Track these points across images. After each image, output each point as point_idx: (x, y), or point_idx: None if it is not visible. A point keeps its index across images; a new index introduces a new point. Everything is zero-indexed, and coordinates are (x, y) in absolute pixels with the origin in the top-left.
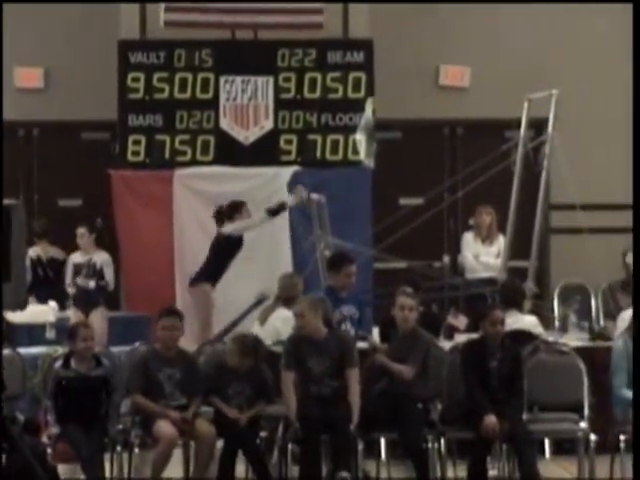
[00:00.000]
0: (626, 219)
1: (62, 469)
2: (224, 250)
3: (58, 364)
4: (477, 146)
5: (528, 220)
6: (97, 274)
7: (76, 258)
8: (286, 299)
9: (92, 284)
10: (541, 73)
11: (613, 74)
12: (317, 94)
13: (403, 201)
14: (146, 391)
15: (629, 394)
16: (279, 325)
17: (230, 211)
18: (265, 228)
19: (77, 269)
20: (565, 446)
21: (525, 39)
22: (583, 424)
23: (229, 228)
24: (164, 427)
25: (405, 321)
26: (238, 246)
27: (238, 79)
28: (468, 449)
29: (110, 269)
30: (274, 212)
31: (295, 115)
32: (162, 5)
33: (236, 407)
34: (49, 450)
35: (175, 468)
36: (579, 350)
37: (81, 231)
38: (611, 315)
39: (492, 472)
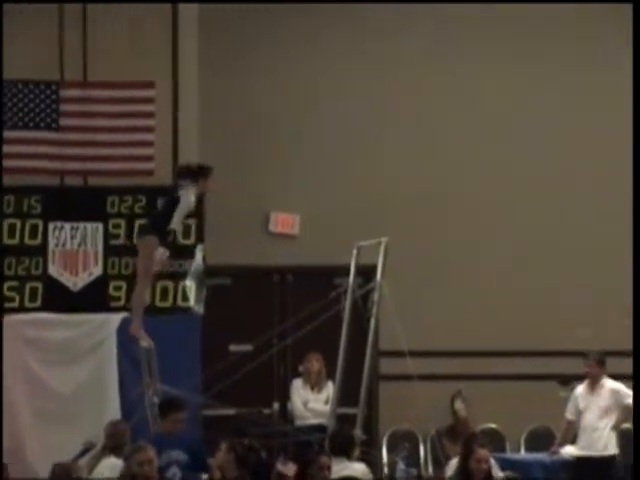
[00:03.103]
0: (454, 365)
1: None
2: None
3: None
4: (307, 292)
5: (357, 367)
6: None
7: None
8: (113, 447)
9: None
10: (369, 220)
11: (439, 222)
12: None
13: (233, 347)
14: None
15: None
16: (107, 474)
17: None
18: (93, 374)
19: None
20: None
21: (353, 186)
22: None
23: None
24: None
25: None
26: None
27: (67, 225)
28: None
29: None
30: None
31: (125, 261)
32: None
33: None
34: None
35: None
36: None
37: None
38: (439, 462)
39: None
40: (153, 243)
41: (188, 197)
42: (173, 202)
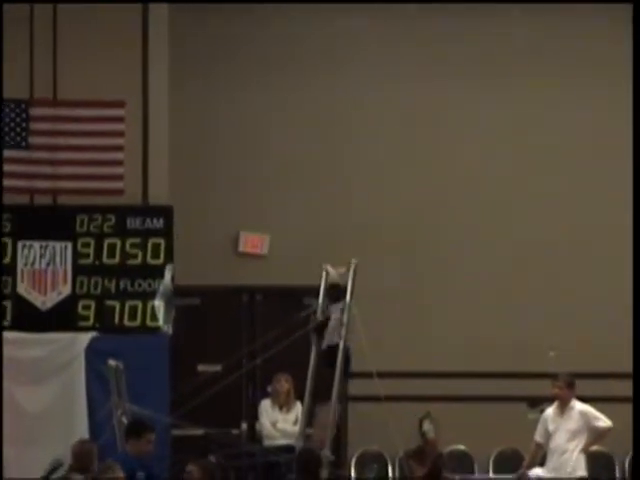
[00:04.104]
0: (422, 387)
1: None
2: None
3: None
4: (276, 313)
5: (326, 387)
6: None
7: None
8: (80, 467)
9: None
10: (339, 241)
11: (408, 243)
12: (116, 260)
13: (201, 367)
14: None
15: None
16: None
17: None
18: (61, 393)
19: None
20: None
21: (322, 206)
22: None
23: None
24: None
25: None
26: None
27: (36, 244)
28: None
29: None
30: None
31: (94, 281)
32: None
33: None
34: None
35: None
36: None
37: None
38: None
39: None
40: None
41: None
42: None
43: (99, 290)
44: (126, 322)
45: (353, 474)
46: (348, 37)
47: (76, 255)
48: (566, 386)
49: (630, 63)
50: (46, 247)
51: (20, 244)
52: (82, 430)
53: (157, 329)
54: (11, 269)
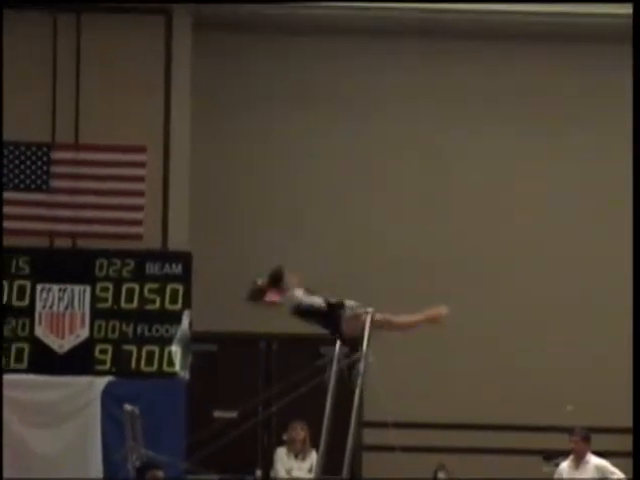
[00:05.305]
0: (437, 438)
1: None
2: None
3: None
4: (292, 361)
5: (341, 436)
6: None
7: None
8: None
9: None
10: (357, 288)
11: (426, 293)
12: (134, 304)
13: (217, 414)
14: None
15: None
16: None
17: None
18: (77, 436)
19: None
20: None
21: (341, 253)
22: None
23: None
24: None
25: None
26: None
27: (55, 287)
28: None
29: None
30: None
31: (111, 325)
32: None
33: None
34: None
35: None
36: None
37: None
38: None
39: None
40: None
41: None
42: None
43: (117, 334)
44: (143, 367)
45: None
46: (369, 82)
47: (94, 299)
48: (582, 439)
49: None
50: (65, 290)
51: (39, 287)
52: (97, 475)
53: (174, 374)
54: (29, 312)
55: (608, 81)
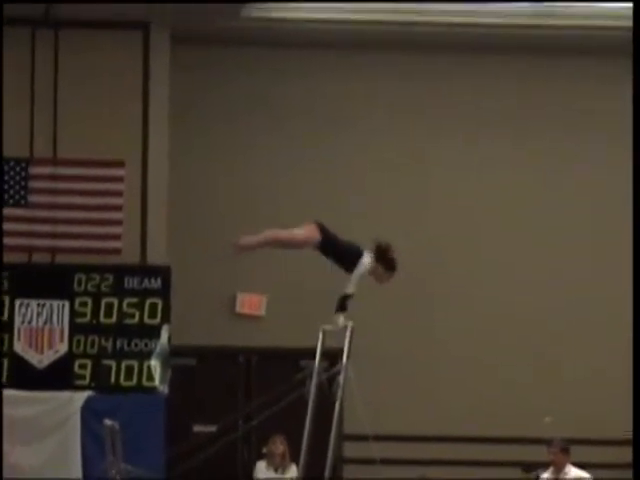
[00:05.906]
0: (418, 450)
1: None
2: None
3: None
4: (272, 374)
5: (321, 450)
6: None
7: None
8: None
9: None
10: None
11: (405, 306)
12: (113, 319)
13: (197, 428)
14: None
15: None
16: None
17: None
18: (57, 452)
19: None
20: None
21: (320, 267)
22: None
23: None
24: None
25: None
26: None
27: (34, 302)
28: None
29: None
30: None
31: (90, 339)
32: None
33: None
34: None
35: None
36: None
37: None
38: None
39: None
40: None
41: (365, 265)
42: (358, 254)
43: (96, 349)
44: (122, 381)
45: None
46: (349, 95)
47: (73, 314)
48: (561, 451)
49: None
50: (43, 305)
51: (17, 302)
52: None
53: (153, 389)
54: (8, 327)
55: (598, 94)
